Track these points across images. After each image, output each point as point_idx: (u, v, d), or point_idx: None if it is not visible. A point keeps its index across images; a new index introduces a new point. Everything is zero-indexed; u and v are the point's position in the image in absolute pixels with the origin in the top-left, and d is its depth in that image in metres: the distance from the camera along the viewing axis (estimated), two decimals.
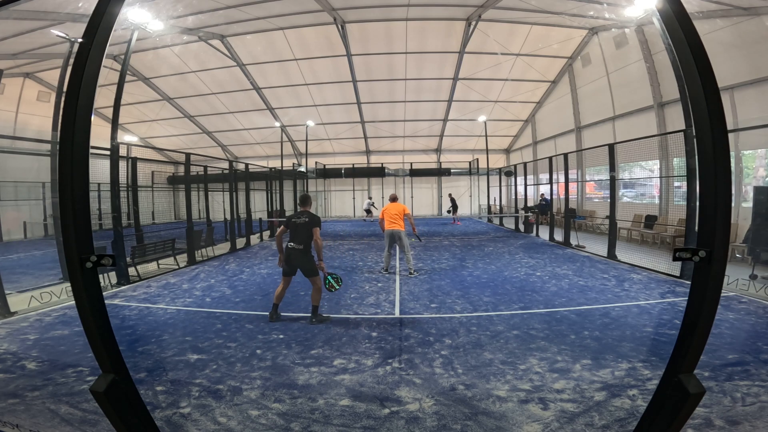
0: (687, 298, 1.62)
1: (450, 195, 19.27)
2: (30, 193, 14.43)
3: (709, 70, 1.56)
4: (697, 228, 1.67)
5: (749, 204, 7.83)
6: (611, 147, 8.98)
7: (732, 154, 8.16)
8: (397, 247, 7.73)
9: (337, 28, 14.06)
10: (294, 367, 3.46)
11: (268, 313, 4.92)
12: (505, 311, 5.03)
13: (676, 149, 8.28)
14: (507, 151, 24.26)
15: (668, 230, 10.32)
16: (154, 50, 14.73)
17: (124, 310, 5.38)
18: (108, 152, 7.20)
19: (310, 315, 4.81)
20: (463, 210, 23.93)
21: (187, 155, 9.56)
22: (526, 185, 15.89)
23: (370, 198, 22.51)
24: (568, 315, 4.81)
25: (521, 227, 14.88)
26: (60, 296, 5.95)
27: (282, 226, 4.92)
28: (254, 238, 13.75)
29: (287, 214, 18.25)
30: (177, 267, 8.55)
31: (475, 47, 15.01)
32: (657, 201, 11.89)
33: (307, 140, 19.77)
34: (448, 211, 19.07)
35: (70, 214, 1.55)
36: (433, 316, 4.91)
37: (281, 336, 4.26)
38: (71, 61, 6.36)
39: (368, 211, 20.73)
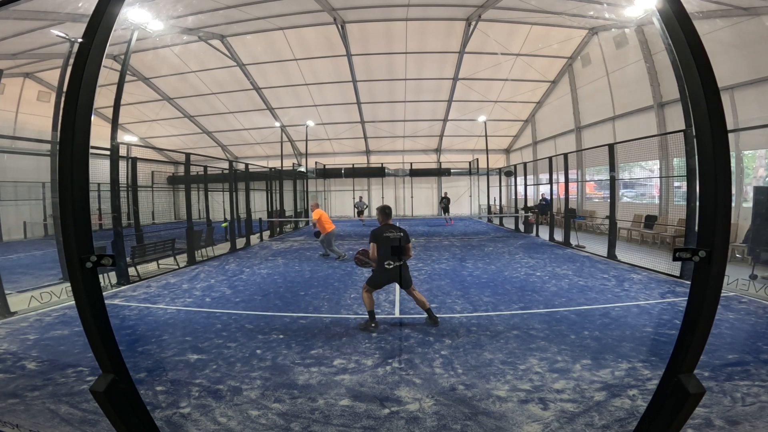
0: (687, 298, 1.62)
1: (445, 194, 18.97)
2: (30, 193, 14.43)
3: (709, 70, 1.56)
4: (697, 228, 1.67)
5: (749, 204, 7.83)
6: (611, 147, 8.98)
7: (732, 154, 8.17)
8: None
9: (337, 28, 14.06)
10: (294, 367, 3.46)
11: (364, 324, 4.50)
12: (505, 311, 5.03)
13: (676, 149, 8.27)
14: (507, 151, 24.26)
15: (668, 230, 10.32)
16: (154, 50, 14.73)
17: (124, 310, 5.38)
18: (108, 152, 7.20)
19: (427, 319, 4.59)
20: (463, 210, 23.96)
21: (187, 155, 9.56)
22: (526, 185, 15.88)
23: (360, 198, 20.90)
24: (568, 315, 4.80)
25: (521, 227, 14.88)
26: (60, 296, 5.95)
27: (374, 243, 4.42)
28: (254, 238, 13.74)
29: (287, 214, 18.25)
30: (177, 267, 8.55)
31: (475, 47, 15.00)
32: (657, 201, 11.89)
33: (307, 140, 19.76)
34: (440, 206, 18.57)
35: (70, 214, 1.55)
36: None
37: (281, 336, 4.26)
38: (71, 61, 6.36)
39: (361, 212, 19.27)
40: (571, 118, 16.15)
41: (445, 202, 18.26)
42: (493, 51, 15.01)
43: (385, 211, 4.65)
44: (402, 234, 4.45)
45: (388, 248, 4.41)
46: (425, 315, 4.61)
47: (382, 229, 4.50)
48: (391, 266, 4.38)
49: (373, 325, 4.45)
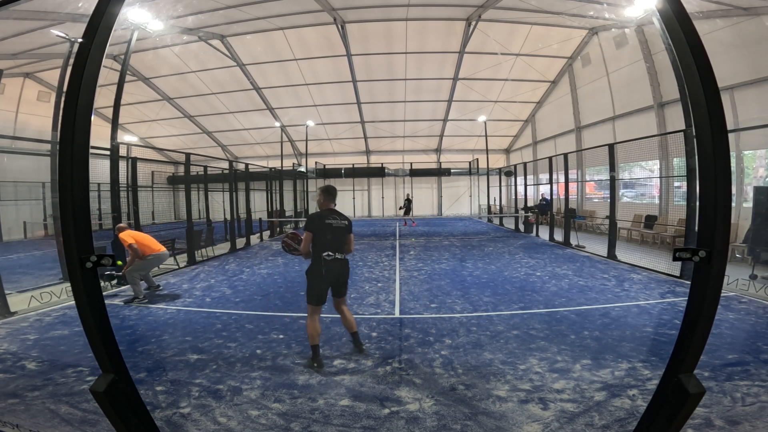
0: (687, 298, 1.62)
1: (408, 195, 18.52)
2: (30, 193, 14.43)
3: (709, 70, 1.56)
4: (697, 228, 1.67)
5: (749, 204, 7.83)
6: (611, 147, 8.98)
7: (732, 154, 8.16)
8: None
9: (337, 28, 14.06)
10: (294, 367, 3.46)
11: (308, 362, 3.53)
12: (505, 311, 5.03)
13: (676, 149, 8.27)
14: (507, 151, 24.26)
15: (668, 230, 10.32)
16: (154, 50, 14.73)
17: (124, 310, 5.38)
18: (108, 152, 7.21)
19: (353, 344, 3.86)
20: (463, 210, 23.95)
21: (187, 155, 9.56)
22: (526, 185, 15.89)
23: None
24: (568, 315, 4.80)
25: (521, 227, 14.87)
26: (60, 296, 5.95)
27: (308, 233, 3.50)
28: (254, 238, 13.74)
29: (287, 214, 18.20)
30: (177, 267, 8.55)
31: (475, 47, 15.00)
32: (657, 201, 11.89)
33: (307, 140, 19.76)
34: (402, 208, 17.97)
35: (70, 214, 1.55)
36: (433, 316, 4.91)
37: (281, 336, 4.26)
38: (71, 61, 6.37)
39: None
40: (571, 118, 16.15)
41: (407, 204, 17.71)
42: (493, 51, 15.00)
43: (330, 191, 3.67)
44: (346, 223, 3.61)
45: (329, 238, 3.50)
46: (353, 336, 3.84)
47: (323, 215, 3.55)
48: (330, 257, 3.46)
49: (315, 365, 3.44)
